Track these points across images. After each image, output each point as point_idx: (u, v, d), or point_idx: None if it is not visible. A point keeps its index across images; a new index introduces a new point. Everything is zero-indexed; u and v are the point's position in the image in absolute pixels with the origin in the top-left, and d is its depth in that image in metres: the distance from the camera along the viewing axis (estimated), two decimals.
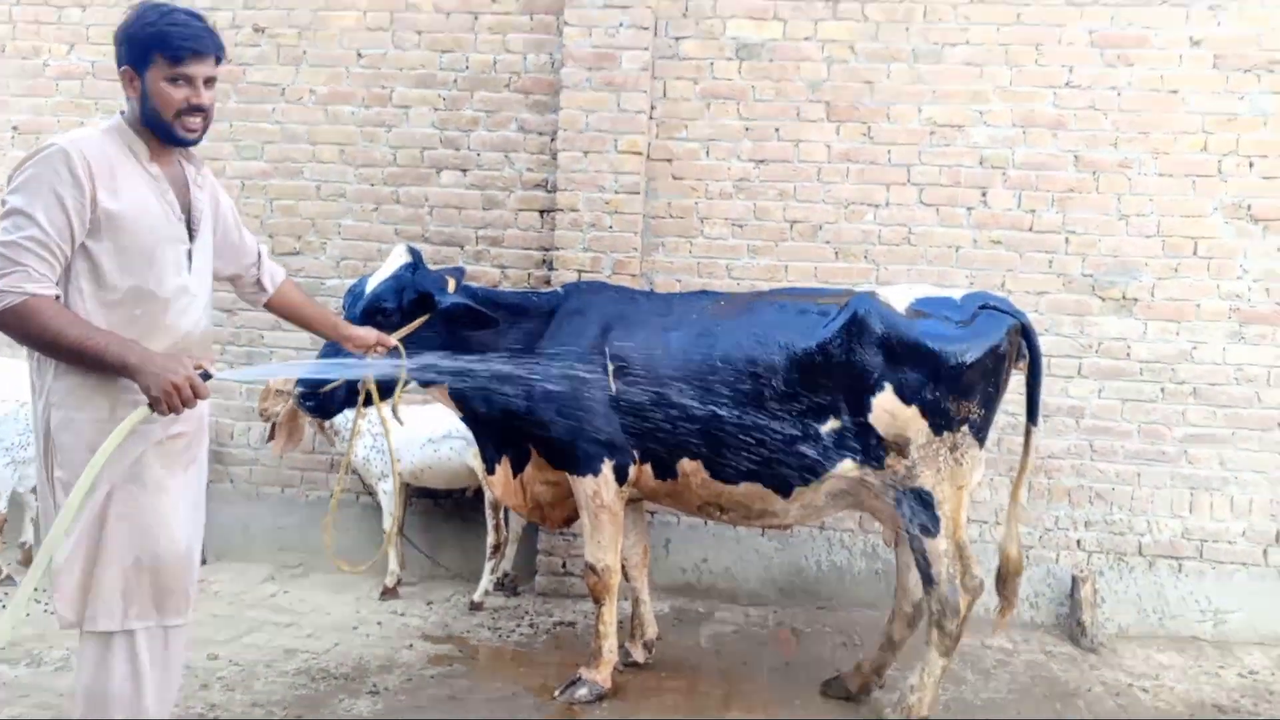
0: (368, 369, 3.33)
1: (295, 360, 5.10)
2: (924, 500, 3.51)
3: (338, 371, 3.39)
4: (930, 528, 3.51)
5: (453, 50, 5.28)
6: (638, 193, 5.05)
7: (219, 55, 2.52)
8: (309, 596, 4.93)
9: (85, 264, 2.39)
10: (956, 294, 3.70)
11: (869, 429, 3.51)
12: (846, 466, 3.58)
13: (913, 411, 3.48)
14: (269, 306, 3.11)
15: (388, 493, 4.95)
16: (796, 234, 5.15)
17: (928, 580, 3.56)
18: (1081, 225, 4.95)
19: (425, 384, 3.78)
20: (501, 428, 3.87)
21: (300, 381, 3.63)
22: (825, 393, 3.55)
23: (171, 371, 2.31)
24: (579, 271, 5.03)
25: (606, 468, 3.76)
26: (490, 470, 4.01)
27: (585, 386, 3.68)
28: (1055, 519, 5.00)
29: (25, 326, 2.29)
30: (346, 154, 5.40)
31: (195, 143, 2.53)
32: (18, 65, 5.57)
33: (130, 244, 2.42)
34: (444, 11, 5.27)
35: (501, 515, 4.88)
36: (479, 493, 4.98)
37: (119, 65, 2.47)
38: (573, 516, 4.09)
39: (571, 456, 3.78)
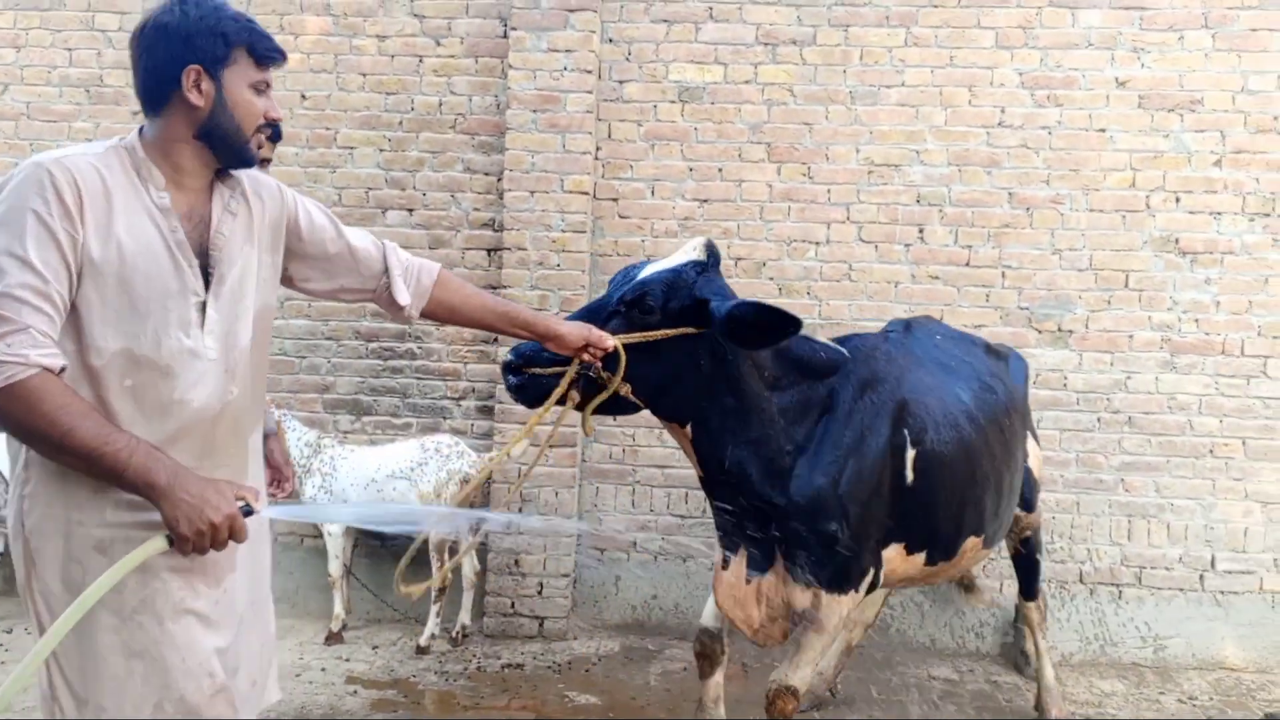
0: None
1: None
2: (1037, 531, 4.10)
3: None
4: (1036, 543, 4.16)
5: (397, 92, 5.31)
6: (584, 231, 5.09)
7: None
8: None
9: (68, 317, 1.82)
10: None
11: (1028, 472, 3.86)
12: (1017, 513, 3.85)
13: (1039, 451, 4.01)
14: (429, 316, 2.41)
15: (333, 535, 4.89)
16: (741, 271, 5.22)
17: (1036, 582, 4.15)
18: (1017, 260, 5.07)
19: (665, 417, 2.95)
20: (741, 504, 3.01)
21: (514, 350, 2.74)
22: (1024, 438, 3.76)
23: (211, 506, 1.75)
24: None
25: (868, 579, 3.14)
26: (724, 562, 3.13)
27: (880, 483, 3.07)
28: (998, 548, 5.06)
29: (26, 411, 1.68)
30: None
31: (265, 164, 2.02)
32: None
33: (117, 294, 1.83)
34: (388, 54, 5.30)
35: (446, 559, 4.83)
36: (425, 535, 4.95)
37: (175, 65, 1.88)
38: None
39: (844, 572, 3.04)
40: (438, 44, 5.29)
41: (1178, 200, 5.04)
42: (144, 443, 1.78)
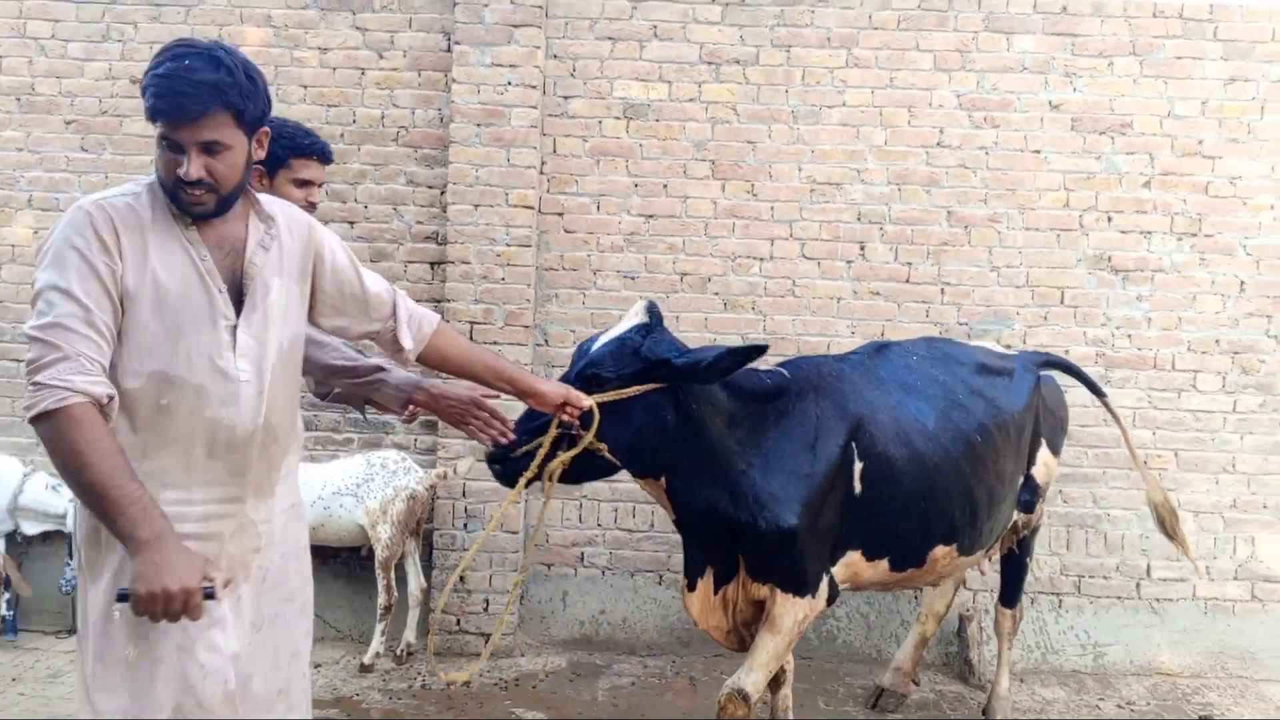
0: None
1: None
2: (1035, 532, 4.29)
3: None
4: (1030, 546, 4.31)
5: (339, 105, 5.26)
6: (529, 245, 5.08)
7: (230, 114, 2.00)
8: None
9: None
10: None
11: (1030, 479, 4.01)
12: (1016, 516, 4.03)
13: (1055, 460, 4.14)
14: (423, 362, 2.56)
15: None
16: (686, 286, 5.25)
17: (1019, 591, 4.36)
18: (955, 277, 5.17)
19: (640, 474, 3.15)
20: (716, 534, 3.23)
21: (495, 442, 2.84)
22: (1019, 451, 3.86)
23: (171, 574, 1.79)
24: (471, 323, 5.02)
25: (824, 584, 3.30)
26: (690, 585, 3.31)
27: (829, 491, 3.22)
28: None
29: (57, 438, 1.82)
30: None
31: (208, 215, 2.05)
32: None
33: (152, 320, 1.98)
34: (330, 67, 5.25)
35: (392, 576, 4.74)
36: (372, 551, 4.85)
37: None
38: None
39: (799, 575, 3.22)
40: (380, 57, 5.26)
41: (1110, 220, 5.19)
42: (151, 502, 1.86)
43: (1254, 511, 5.10)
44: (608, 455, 2.89)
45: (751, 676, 3.16)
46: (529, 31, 5.05)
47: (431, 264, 5.23)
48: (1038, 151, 5.19)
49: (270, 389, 2.10)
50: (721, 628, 3.34)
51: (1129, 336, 5.17)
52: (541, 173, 5.20)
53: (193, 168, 1.97)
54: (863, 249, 5.21)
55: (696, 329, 5.20)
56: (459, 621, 4.99)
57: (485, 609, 4.98)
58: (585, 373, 2.94)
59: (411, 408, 2.77)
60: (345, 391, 2.87)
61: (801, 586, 3.20)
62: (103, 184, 5.19)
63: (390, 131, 5.27)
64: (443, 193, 5.18)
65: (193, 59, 1.96)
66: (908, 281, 5.19)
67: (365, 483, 4.68)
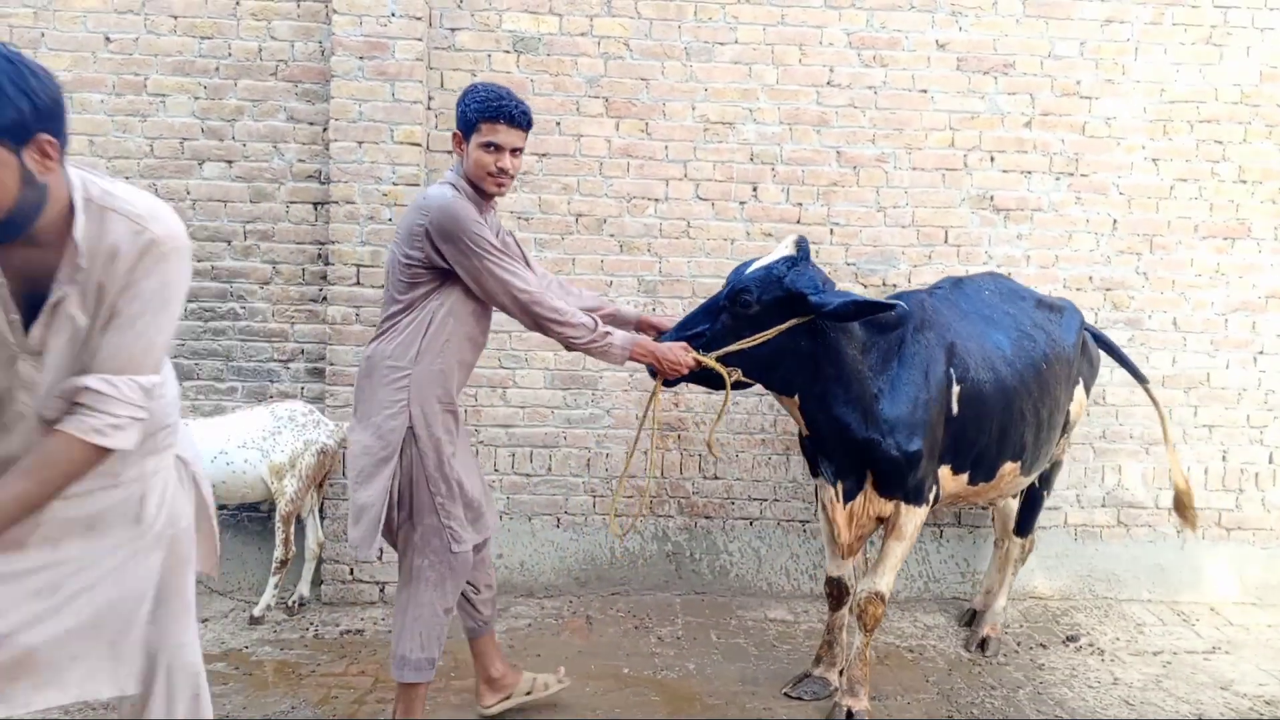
0: None
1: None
2: (1057, 467, 4.68)
3: None
4: (1052, 480, 4.69)
5: (213, 37, 4.99)
6: (417, 184, 4.94)
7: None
8: None
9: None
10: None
11: (1066, 413, 4.29)
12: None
13: (1085, 399, 4.45)
14: None
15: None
16: (582, 227, 5.19)
17: (1034, 522, 4.68)
18: (844, 217, 5.24)
19: (776, 391, 3.57)
20: (847, 452, 3.61)
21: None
22: (1068, 383, 4.23)
23: None
24: (357, 266, 4.88)
25: (934, 492, 3.75)
26: (830, 495, 3.74)
27: (939, 411, 3.62)
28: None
29: None
30: (97, 145, 5.00)
31: None
32: None
33: None
34: None
35: (291, 530, 4.64)
36: (273, 507, 4.71)
37: None
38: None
39: (920, 488, 3.64)
40: None
41: (992, 160, 5.31)
42: None
43: (1121, 441, 5.37)
44: (743, 379, 3.41)
45: (884, 578, 3.68)
46: None
47: (315, 204, 5.05)
48: (924, 91, 5.25)
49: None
50: (844, 540, 3.73)
51: (1009, 274, 5.32)
52: (429, 108, 5.05)
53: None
54: (755, 190, 5.22)
55: (593, 271, 5.17)
56: (352, 571, 4.93)
57: (380, 557, 4.90)
58: (733, 293, 3.38)
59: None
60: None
61: (920, 498, 3.66)
62: None
63: (269, 65, 5.03)
64: (325, 129, 4.99)
65: None
66: (798, 222, 5.23)
67: (272, 436, 4.54)
